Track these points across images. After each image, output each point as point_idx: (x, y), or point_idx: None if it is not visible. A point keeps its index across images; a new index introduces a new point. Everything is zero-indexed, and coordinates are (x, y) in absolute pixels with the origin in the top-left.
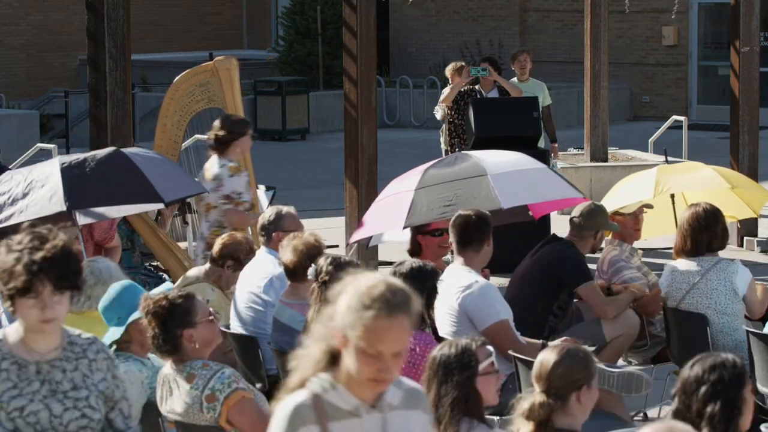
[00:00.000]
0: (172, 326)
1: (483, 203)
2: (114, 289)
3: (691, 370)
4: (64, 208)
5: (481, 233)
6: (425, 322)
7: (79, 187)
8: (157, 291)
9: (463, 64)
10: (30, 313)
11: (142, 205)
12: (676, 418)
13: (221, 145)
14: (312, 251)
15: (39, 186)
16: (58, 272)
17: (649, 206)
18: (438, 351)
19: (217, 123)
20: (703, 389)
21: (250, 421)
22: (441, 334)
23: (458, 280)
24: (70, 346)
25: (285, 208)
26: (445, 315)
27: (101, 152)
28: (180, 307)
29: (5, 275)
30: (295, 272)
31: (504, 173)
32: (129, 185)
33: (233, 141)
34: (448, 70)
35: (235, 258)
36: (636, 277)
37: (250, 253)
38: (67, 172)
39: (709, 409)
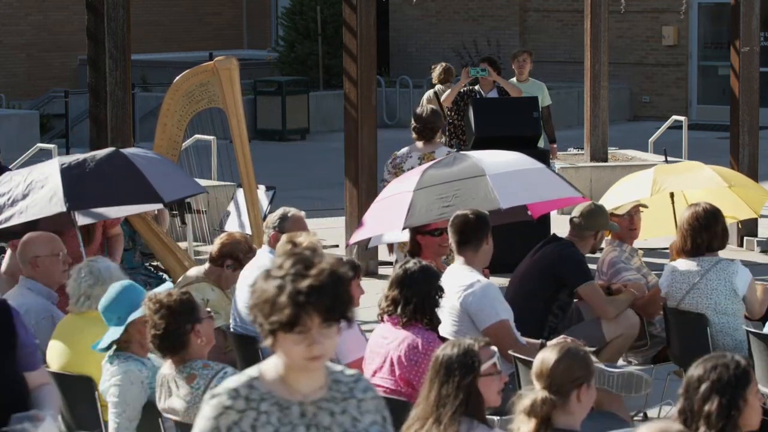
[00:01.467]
0: (184, 321)
1: (482, 203)
2: (114, 289)
3: (695, 369)
4: (64, 209)
5: (479, 232)
6: (432, 322)
7: (79, 187)
8: (158, 291)
9: (449, 65)
10: (295, 350)
11: (141, 205)
12: (681, 417)
13: (433, 132)
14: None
15: (39, 187)
16: (327, 302)
17: (644, 206)
18: (441, 351)
19: (426, 114)
20: (703, 387)
21: None
22: (442, 333)
23: (460, 279)
24: (336, 384)
25: (293, 211)
26: (446, 314)
27: (101, 153)
28: (189, 302)
29: (266, 307)
30: None
31: (503, 173)
32: (128, 185)
33: (440, 128)
34: (436, 77)
35: (234, 257)
36: (635, 279)
37: (250, 252)
38: (66, 172)
39: (707, 407)
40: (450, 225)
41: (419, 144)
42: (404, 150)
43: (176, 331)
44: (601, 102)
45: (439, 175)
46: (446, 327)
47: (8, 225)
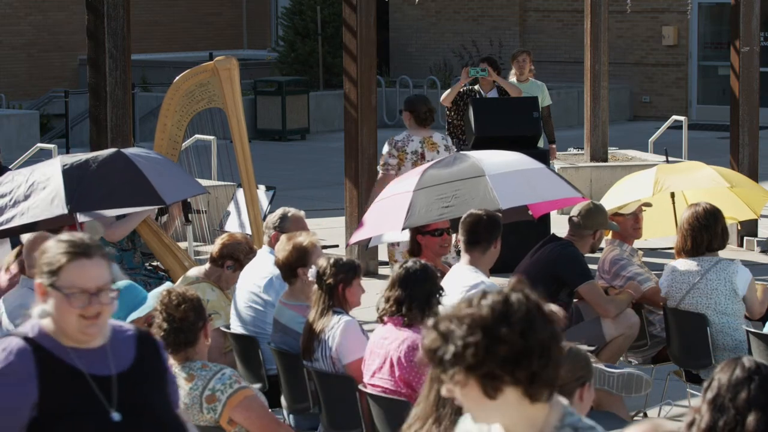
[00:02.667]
0: (198, 317)
1: (481, 204)
2: None
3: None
4: (66, 211)
5: (490, 234)
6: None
7: (81, 189)
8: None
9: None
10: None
11: (143, 207)
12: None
13: (432, 115)
14: (299, 254)
15: (41, 188)
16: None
17: (648, 205)
18: None
19: (423, 98)
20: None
21: (257, 416)
22: None
23: (464, 279)
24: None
25: (292, 211)
26: None
27: (102, 153)
28: (200, 301)
29: None
30: (282, 273)
31: (502, 173)
32: (130, 187)
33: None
34: None
35: (234, 258)
36: (640, 272)
37: (250, 253)
38: (68, 173)
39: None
40: (462, 223)
41: (417, 129)
42: (403, 134)
43: (194, 325)
44: (601, 102)
45: (439, 175)
46: None
47: (9, 226)
